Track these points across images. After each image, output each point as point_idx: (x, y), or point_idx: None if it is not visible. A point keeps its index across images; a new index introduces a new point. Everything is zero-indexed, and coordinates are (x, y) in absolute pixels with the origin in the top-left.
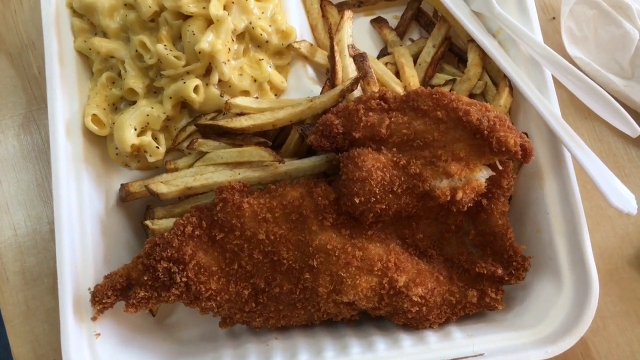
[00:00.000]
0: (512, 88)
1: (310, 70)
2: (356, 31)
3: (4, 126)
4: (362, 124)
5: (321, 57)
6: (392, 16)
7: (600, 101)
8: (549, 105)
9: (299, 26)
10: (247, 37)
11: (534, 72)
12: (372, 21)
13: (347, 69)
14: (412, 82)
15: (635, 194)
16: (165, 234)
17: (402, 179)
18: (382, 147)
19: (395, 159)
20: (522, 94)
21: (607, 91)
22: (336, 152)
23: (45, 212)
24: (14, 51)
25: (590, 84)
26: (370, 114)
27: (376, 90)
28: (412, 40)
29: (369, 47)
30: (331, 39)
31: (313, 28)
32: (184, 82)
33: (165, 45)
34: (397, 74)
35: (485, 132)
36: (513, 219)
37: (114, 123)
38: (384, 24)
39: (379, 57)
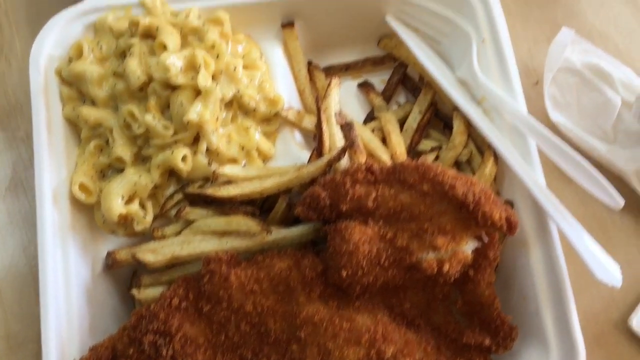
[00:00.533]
0: (497, 157)
1: (298, 136)
2: (343, 94)
3: None
4: (348, 196)
5: (309, 122)
6: (379, 80)
7: (583, 173)
8: (533, 175)
9: (286, 91)
10: (235, 105)
11: (518, 140)
12: (359, 85)
13: (334, 137)
14: (399, 149)
15: (619, 259)
16: (152, 306)
17: (389, 251)
18: (369, 220)
19: (382, 232)
20: (507, 163)
21: (591, 157)
22: (323, 223)
23: (32, 277)
24: (2, 113)
25: (573, 155)
26: (357, 186)
27: (363, 160)
28: (399, 104)
29: (356, 110)
30: (318, 109)
31: (301, 93)
32: (172, 152)
33: (153, 115)
34: (384, 139)
35: (471, 206)
36: (500, 286)
37: (101, 191)
38: (370, 88)
39: (366, 121)
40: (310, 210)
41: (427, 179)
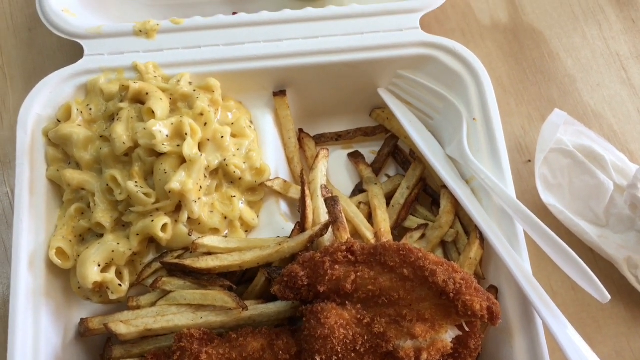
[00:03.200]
0: (483, 239)
1: (284, 206)
2: (333, 164)
3: None
4: (327, 277)
5: (295, 192)
6: (370, 151)
7: (570, 263)
8: (519, 261)
9: (275, 158)
10: (221, 173)
11: (505, 223)
12: (349, 155)
13: (319, 211)
14: (383, 227)
15: (608, 349)
16: None
17: (366, 337)
18: (347, 302)
19: (359, 316)
20: (492, 247)
21: (582, 241)
22: (301, 303)
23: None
24: None
25: (561, 244)
26: (337, 267)
27: (346, 237)
28: (388, 176)
29: (345, 180)
30: (302, 183)
31: (290, 161)
32: (152, 220)
33: (136, 182)
34: (371, 213)
35: (451, 294)
36: None
37: (78, 256)
38: (360, 159)
39: (354, 192)
40: (288, 289)
41: (408, 263)
